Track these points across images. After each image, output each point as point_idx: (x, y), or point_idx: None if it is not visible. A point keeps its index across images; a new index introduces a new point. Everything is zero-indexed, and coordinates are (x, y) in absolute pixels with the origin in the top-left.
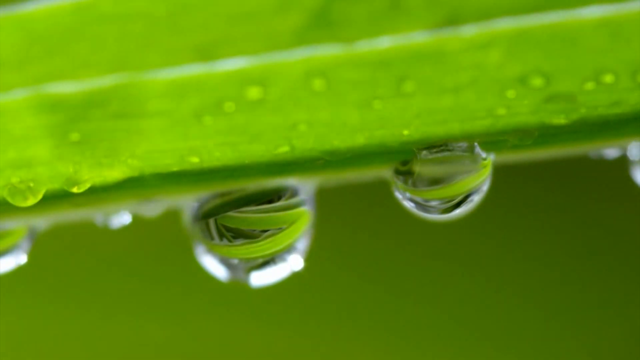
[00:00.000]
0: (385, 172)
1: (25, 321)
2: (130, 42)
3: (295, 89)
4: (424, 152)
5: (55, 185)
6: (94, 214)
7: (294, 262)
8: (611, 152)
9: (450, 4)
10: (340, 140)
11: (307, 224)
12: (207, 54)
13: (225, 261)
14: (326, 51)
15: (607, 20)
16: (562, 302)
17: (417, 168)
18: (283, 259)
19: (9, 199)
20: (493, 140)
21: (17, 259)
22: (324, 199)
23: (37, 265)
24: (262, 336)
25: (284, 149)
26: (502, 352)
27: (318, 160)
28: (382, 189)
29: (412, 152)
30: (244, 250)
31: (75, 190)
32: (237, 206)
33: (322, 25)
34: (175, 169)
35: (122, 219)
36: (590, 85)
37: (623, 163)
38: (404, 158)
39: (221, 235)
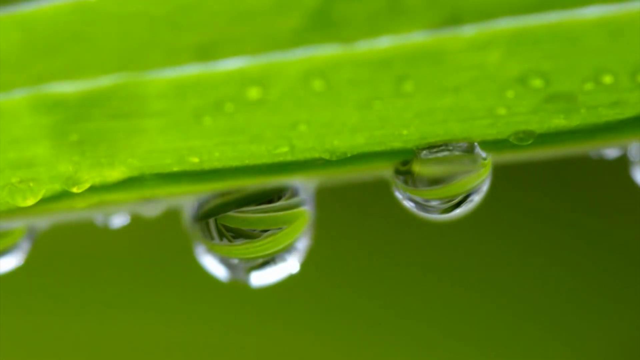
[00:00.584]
0: (385, 172)
1: (25, 321)
2: (130, 42)
3: (295, 88)
4: (424, 152)
5: (55, 185)
6: (94, 214)
7: (292, 264)
8: (611, 152)
9: (450, 4)
10: (340, 140)
11: (307, 223)
12: (207, 53)
13: (225, 261)
14: (326, 51)
15: (607, 20)
16: (562, 302)
17: (417, 168)
18: (283, 259)
19: (9, 199)
20: (493, 140)
21: (17, 259)
22: (323, 199)
23: (37, 265)
24: (262, 336)
25: (283, 149)
26: (503, 352)
27: (318, 160)
28: (382, 189)
29: (412, 152)
30: (244, 250)
31: (75, 190)
32: (237, 206)
33: (321, 25)
34: (175, 168)
35: (122, 219)
36: (590, 85)
37: (623, 163)
38: (404, 158)
39: (221, 235)
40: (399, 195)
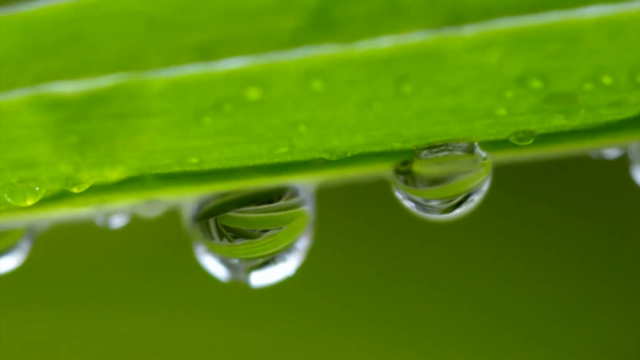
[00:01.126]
0: (385, 172)
1: (25, 321)
2: (130, 41)
3: (295, 88)
4: (424, 152)
5: (55, 186)
6: (94, 214)
7: (292, 264)
8: (611, 152)
9: (450, 4)
10: (340, 140)
11: (307, 223)
12: (206, 53)
13: (225, 261)
14: (326, 51)
15: (607, 20)
16: (562, 301)
17: (417, 168)
18: (283, 259)
19: (9, 199)
20: (493, 140)
21: (17, 259)
22: (323, 199)
23: (37, 265)
24: (262, 336)
25: (283, 149)
26: (503, 352)
27: (318, 160)
28: (382, 189)
29: (412, 152)
30: (244, 250)
31: (75, 190)
32: (237, 206)
33: (321, 25)
34: (175, 169)
35: (122, 219)
36: (590, 85)
37: (623, 163)
38: (404, 158)
39: (221, 235)
40: (399, 195)
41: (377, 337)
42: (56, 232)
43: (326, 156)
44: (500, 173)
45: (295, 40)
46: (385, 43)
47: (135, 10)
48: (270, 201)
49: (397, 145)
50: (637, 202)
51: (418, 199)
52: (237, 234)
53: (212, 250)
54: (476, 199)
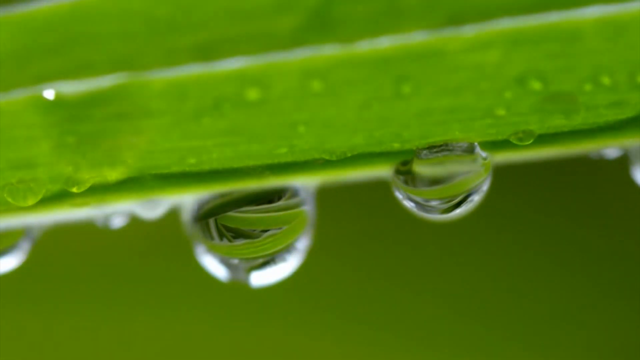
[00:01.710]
0: (385, 172)
1: (25, 321)
2: (129, 42)
3: (294, 89)
4: (424, 152)
5: (55, 186)
6: (94, 214)
7: (292, 264)
8: (611, 152)
9: (450, 4)
10: (340, 141)
11: (307, 223)
12: (206, 54)
13: (225, 261)
14: (325, 51)
15: (607, 20)
16: (562, 301)
17: (417, 168)
18: (283, 259)
19: (9, 199)
20: (493, 140)
21: (17, 259)
22: (324, 199)
23: (37, 265)
24: (262, 336)
25: (283, 149)
26: (504, 352)
27: (318, 160)
28: (382, 189)
29: (412, 152)
30: (244, 250)
31: (75, 190)
32: (237, 206)
33: (321, 25)
34: (175, 169)
35: (122, 219)
36: (589, 86)
37: (623, 163)
38: (404, 158)
39: (221, 235)
40: (399, 195)
41: (377, 338)
42: (56, 232)
43: (326, 156)
44: (500, 173)
45: (295, 40)
46: (385, 43)
47: (135, 10)
48: (270, 201)
49: (397, 146)
50: (637, 202)
51: (418, 199)
52: (237, 234)
53: (212, 250)
54: (476, 199)
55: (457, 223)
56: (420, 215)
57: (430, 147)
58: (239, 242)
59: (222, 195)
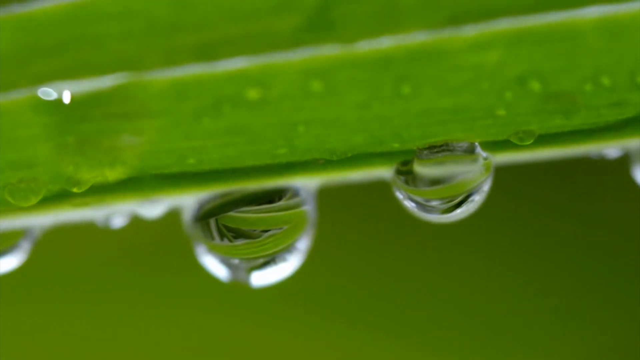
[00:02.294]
0: (385, 172)
1: (26, 321)
2: (130, 42)
3: (294, 89)
4: (425, 152)
5: (55, 185)
6: (95, 214)
7: (292, 264)
8: (612, 152)
9: (450, 5)
10: (340, 141)
11: (308, 224)
12: (207, 53)
13: (226, 261)
14: (326, 51)
15: (607, 20)
16: (563, 301)
17: (418, 168)
18: (284, 259)
19: (10, 199)
20: (494, 140)
21: (18, 259)
22: (324, 199)
23: (38, 265)
24: (262, 336)
25: (284, 149)
26: (504, 352)
27: (318, 160)
28: (382, 189)
29: (413, 152)
30: (244, 250)
31: (75, 190)
32: (237, 206)
33: (321, 25)
34: (175, 169)
35: (123, 219)
36: (590, 86)
37: (624, 163)
38: (404, 158)
39: (222, 235)
40: (399, 195)
41: (377, 338)
42: (57, 232)
43: (326, 156)
44: (501, 173)
45: (295, 40)
46: (385, 43)
47: (135, 10)
48: (271, 201)
49: (397, 146)
50: (637, 202)
51: (419, 199)
52: (238, 234)
53: (212, 250)
54: (477, 199)
55: (458, 223)
56: (421, 216)
57: (431, 147)
58: (240, 242)
59: (222, 195)
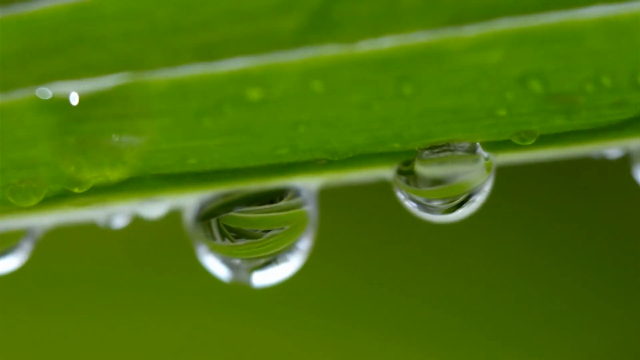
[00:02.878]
0: (387, 172)
1: (27, 321)
2: (131, 42)
3: (296, 89)
4: (426, 152)
5: (57, 186)
6: (96, 214)
7: (294, 264)
8: (613, 152)
9: (451, 5)
10: (341, 141)
11: (309, 224)
12: (208, 54)
13: (227, 261)
14: (327, 52)
15: (608, 20)
16: (564, 301)
17: (419, 168)
18: (285, 259)
19: (11, 199)
20: (495, 140)
21: (19, 260)
22: (325, 199)
23: (39, 265)
24: (264, 336)
25: (285, 150)
26: (505, 352)
27: (319, 160)
28: (384, 189)
29: (414, 152)
30: (246, 250)
31: (77, 190)
32: (238, 206)
33: (323, 25)
34: (176, 169)
35: (124, 219)
36: (591, 86)
37: (625, 163)
38: (405, 158)
39: (223, 235)
40: (400, 195)
41: (378, 338)
42: (58, 233)
43: (327, 156)
44: (502, 173)
45: (297, 40)
46: (386, 43)
47: (136, 10)
48: (272, 201)
49: (398, 146)
50: (638, 201)
51: (420, 199)
52: (239, 234)
53: (213, 250)
54: (478, 199)
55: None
56: (422, 216)
57: (432, 147)
58: (241, 242)
59: (223, 196)
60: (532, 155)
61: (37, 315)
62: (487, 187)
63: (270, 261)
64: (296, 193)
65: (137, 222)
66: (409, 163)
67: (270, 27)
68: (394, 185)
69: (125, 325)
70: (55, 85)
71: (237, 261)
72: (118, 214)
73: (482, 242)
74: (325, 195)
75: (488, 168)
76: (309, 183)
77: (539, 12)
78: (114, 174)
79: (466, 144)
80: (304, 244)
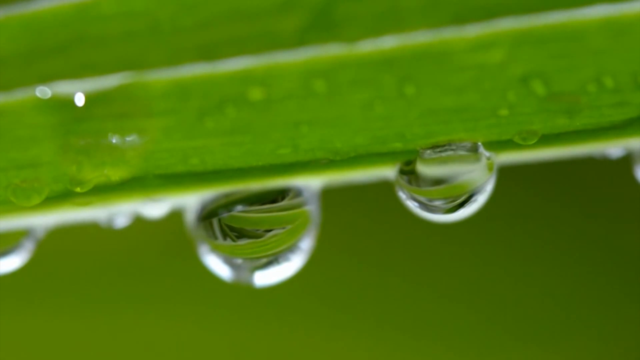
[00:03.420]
0: (388, 172)
1: (28, 321)
2: (133, 41)
3: (298, 89)
4: (428, 151)
5: (58, 185)
6: (98, 213)
7: (296, 264)
8: (615, 151)
9: (453, 4)
10: (343, 141)
11: (311, 223)
12: (210, 53)
13: (229, 261)
14: (329, 51)
15: (610, 20)
16: (565, 301)
17: (421, 168)
18: (287, 259)
19: (13, 199)
20: (497, 140)
21: (21, 259)
22: (326, 198)
23: (40, 265)
24: (265, 336)
25: (286, 149)
26: (505, 352)
27: (321, 160)
28: (385, 189)
29: (416, 151)
30: (247, 249)
31: (78, 190)
32: (241, 206)
33: (324, 25)
34: (178, 168)
35: (126, 218)
36: (593, 86)
37: (627, 163)
38: (407, 158)
39: (225, 235)
40: (402, 195)
41: (380, 338)
42: (59, 232)
43: (329, 156)
44: (504, 173)
45: (298, 40)
46: (388, 43)
47: (138, 10)
48: (274, 201)
49: (400, 145)
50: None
51: (421, 198)
52: (241, 234)
53: (215, 250)
54: (480, 199)
55: (461, 223)
56: (424, 216)
57: (434, 147)
58: (243, 241)
59: (225, 195)
60: (534, 154)
61: (39, 315)
62: (489, 187)
63: (272, 261)
64: (298, 193)
65: (139, 222)
66: (410, 163)
67: (272, 27)
68: (396, 184)
69: (126, 325)
70: (57, 85)
71: (239, 261)
72: (120, 213)
73: (484, 241)
74: (327, 195)
75: (490, 168)
76: (310, 183)
77: (541, 12)
78: (116, 174)
79: (468, 144)
80: (306, 244)
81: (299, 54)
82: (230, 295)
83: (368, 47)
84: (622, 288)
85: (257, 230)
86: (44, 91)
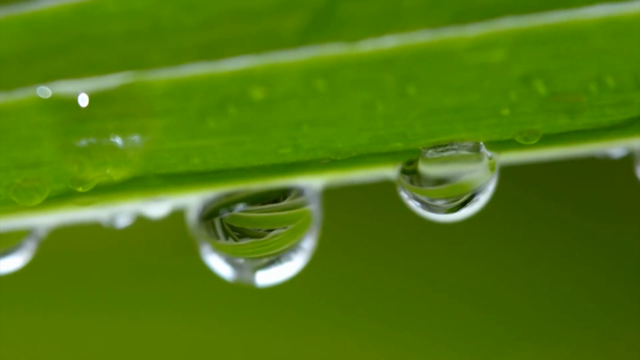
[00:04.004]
0: (390, 171)
1: (30, 321)
2: (134, 41)
3: (299, 88)
4: (430, 151)
5: (60, 185)
6: (99, 213)
7: (297, 264)
8: (616, 151)
9: (454, 4)
10: (345, 140)
11: (313, 223)
12: (211, 53)
13: (230, 260)
14: (330, 51)
15: (612, 19)
16: (566, 301)
17: (423, 167)
18: (289, 258)
19: (15, 199)
20: (498, 139)
21: (22, 259)
22: (328, 198)
23: (42, 264)
24: (267, 336)
25: (288, 149)
26: (506, 352)
27: (323, 159)
28: (387, 188)
29: (418, 151)
30: (249, 249)
31: (80, 189)
32: (242, 205)
33: (326, 24)
34: (180, 168)
35: (127, 218)
36: (594, 85)
37: (628, 162)
38: (409, 158)
39: (227, 235)
40: (404, 194)
41: (382, 338)
42: (61, 232)
43: (331, 156)
44: (506, 173)
45: (300, 39)
46: (389, 43)
47: (139, 10)
48: (276, 201)
49: (401, 145)
50: None
51: (423, 198)
52: (243, 234)
53: (217, 249)
54: (482, 198)
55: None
56: (426, 215)
57: (436, 147)
58: (244, 241)
59: (227, 195)
60: (536, 154)
61: (40, 315)
62: (491, 187)
63: (274, 260)
64: (299, 192)
65: (141, 222)
66: (412, 162)
67: (274, 26)
68: (398, 184)
69: (128, 325)
70: (58, 85)
71: (241, 260)
72: (121, 213)
73: (486, 241)
74: (329, 195)
75: (491, 167)
76: (312, 182)
77: (542, 11)
78: (117, 174)
79: (469, 143)
80: (308, 243)
81: (300, 54)
82: (232, 295)
83: (369, 46)
84: (623, 288)
85: (259, 230)
86: (44, 91)
